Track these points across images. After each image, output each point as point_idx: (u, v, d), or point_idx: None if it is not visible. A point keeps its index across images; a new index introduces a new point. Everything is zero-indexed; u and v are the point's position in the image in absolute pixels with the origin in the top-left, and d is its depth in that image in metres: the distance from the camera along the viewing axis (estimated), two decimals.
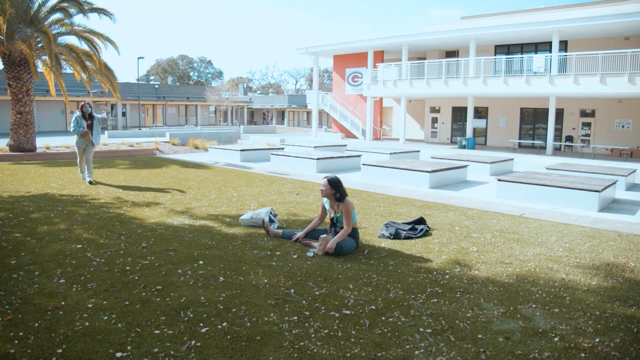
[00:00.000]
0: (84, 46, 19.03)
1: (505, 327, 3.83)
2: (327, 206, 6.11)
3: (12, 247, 5.94)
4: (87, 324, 3.81)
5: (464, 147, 25.71)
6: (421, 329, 3.77)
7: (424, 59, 30.07)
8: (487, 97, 27.10)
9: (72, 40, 19.09)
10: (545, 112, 25.00)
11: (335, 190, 5.92)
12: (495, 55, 27.40)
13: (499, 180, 10.40)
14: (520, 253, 5.99)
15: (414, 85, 27.19)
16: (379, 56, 31.40)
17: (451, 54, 30.46)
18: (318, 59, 34.88)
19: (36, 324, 3.80)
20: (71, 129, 11.13)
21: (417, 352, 3.41)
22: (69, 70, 20.40)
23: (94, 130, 11.30)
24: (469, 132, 26.47)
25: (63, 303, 4.22)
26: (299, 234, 6.25)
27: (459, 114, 30.28)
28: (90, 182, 11.10)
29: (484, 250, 6.07)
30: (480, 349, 3.46)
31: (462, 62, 25.56)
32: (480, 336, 3.66)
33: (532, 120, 27.62)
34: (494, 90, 24.24)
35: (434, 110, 31.76)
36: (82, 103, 11.27)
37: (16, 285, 4.66)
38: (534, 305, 4.28)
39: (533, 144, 26.66)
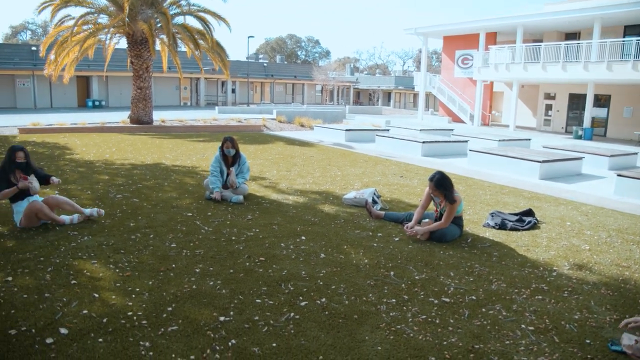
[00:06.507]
0: (198, 25, 20.03)
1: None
2: (435, 198, 5.96)
3: (131, 211, 6.47)
4: (194, 287, 4.08)
5: (580, 137, 24.09)
6: (523, 326, 3.64)
7: (540, 41, 28.31)
8: (611, 83, 24.98)
9: (186, 19, 20.18)
10: None
11: (444, 191, 5.65)
12: (624, 37, 25.14)
13: (619, 175, 9.66)
14: None
15: (528, 70, 25.77)
16: (492, 38, 30.03)
17: (571, 35, 28.39)
18: (427, 40, 34.02)
19: (150, 282, 4.14)
20: (210, 176, 7.41)
21: (517, 349, 3.30)
22: (182, 48, 21.58)
23: (239, 176, 7.44)
24: (587, 122, 24.71)
25: (174, 265, 4.55)
26: (410, 223, 5.86)
27: (576, 101, 28.30)
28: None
29: (597, 249, 5.69)
30: (588, 355, 3.27)
31: (583, 44, 23.72)
32: (588, 341, 3.46)
33: None
34: (620, 77, 22.25)
35: (548, 96, 29.94)
36: (225, 139, 7.51)
37: (134, 245, 5.09)
38: None
39: None
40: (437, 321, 3.65)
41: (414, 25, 33.01)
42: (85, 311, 3.57)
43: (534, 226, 6.51)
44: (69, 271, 4.31)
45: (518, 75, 26.43)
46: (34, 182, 5.56)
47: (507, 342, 3.40)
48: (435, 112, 42.26)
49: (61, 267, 4.40)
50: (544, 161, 11.09)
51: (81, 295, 3.85)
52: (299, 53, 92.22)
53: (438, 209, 5.87)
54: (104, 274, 4.30)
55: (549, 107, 29.99)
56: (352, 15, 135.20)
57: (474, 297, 4.10)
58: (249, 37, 48.28)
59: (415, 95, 59.36)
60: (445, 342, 3.34)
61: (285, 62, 67.69)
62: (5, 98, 35.54)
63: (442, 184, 5.68)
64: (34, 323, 3.38)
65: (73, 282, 4.09)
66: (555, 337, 3.49)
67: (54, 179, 5.86)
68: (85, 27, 18.83)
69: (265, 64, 54.61)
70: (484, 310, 3.88)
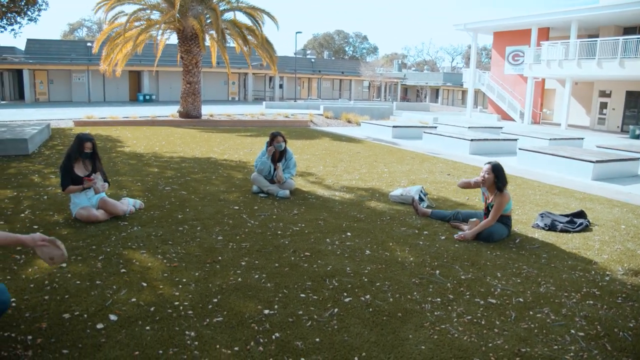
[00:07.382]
0: (246, 21, 20.29)
1: None
2: (483, 191, 5.87)
3: (179, 203, 6.61)
4: (239, 279, 4.14)
5: (637, 137, 23.11)
6: (572, 331, 3.52)
7: (596, 36, 27.27)
8: None
9: (235, 15, 20.48)
10: None
11: (497, 177, 5.60)
12: None
13: None
14: None
15: (582, 66, 24.89)
16: (544, 33, 29.16)
17: (630, 30, 27.23)
18: (477, 35, 33.34)
19: (196, 274, 4.21)
20: (255, 168, 7.50)
21: (565, 355, 3.19)
22: (231, 44, 21.88)
23: (285, 172, 7.46)
24: None
25: (220, 258, 4.62)
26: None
27: (634, 99, 27.18)
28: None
29: None
30: None
31: None
32: None
33: None
34: None
35: (603, 94, 28.86)
36: (275, 134, 7.42)
37: (181, 237, 5.20)
38: None
39: None
40: (483, 322, 3.58)
41: (463, 20, 32.45)
42: (133, 299, 3.67)
43: (586, 228, 6.28)
44: (119, 260, 4.45)
45: (571, 72, 25.57)
46: (98, 182, 5.69)
47: (555, 347, 3.29)
48: (484, 109, 41.42)
49: (112, 256, 4.54)
50: (597, 161, 10.71)
51: (130, 283, 3.96)
52: (346, 49, 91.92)
53: (486, 203, 5.76)
54: (152, 263, 4.41)
55: (603, 105, 28.91)
56: (401, 11, 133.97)
57: (521, 299, 4.00)
58: (296, 32, 48.52)
59: (464, 92, 58.39)
60: (490, 344, 3.27)
61: (333, 58, 67.65)
62: (62, 92, 37.01)
63: (498, 169, 5.63)
64: (86, 308, 3.50)
65: (123, 270, 4.21)
66: (607, 345, 3.36)
67: (104, 185, 5.91)
68: (137, 23, 19.34)
69: (312, 60, 54.75)
70: (531, 313, 3.78)
